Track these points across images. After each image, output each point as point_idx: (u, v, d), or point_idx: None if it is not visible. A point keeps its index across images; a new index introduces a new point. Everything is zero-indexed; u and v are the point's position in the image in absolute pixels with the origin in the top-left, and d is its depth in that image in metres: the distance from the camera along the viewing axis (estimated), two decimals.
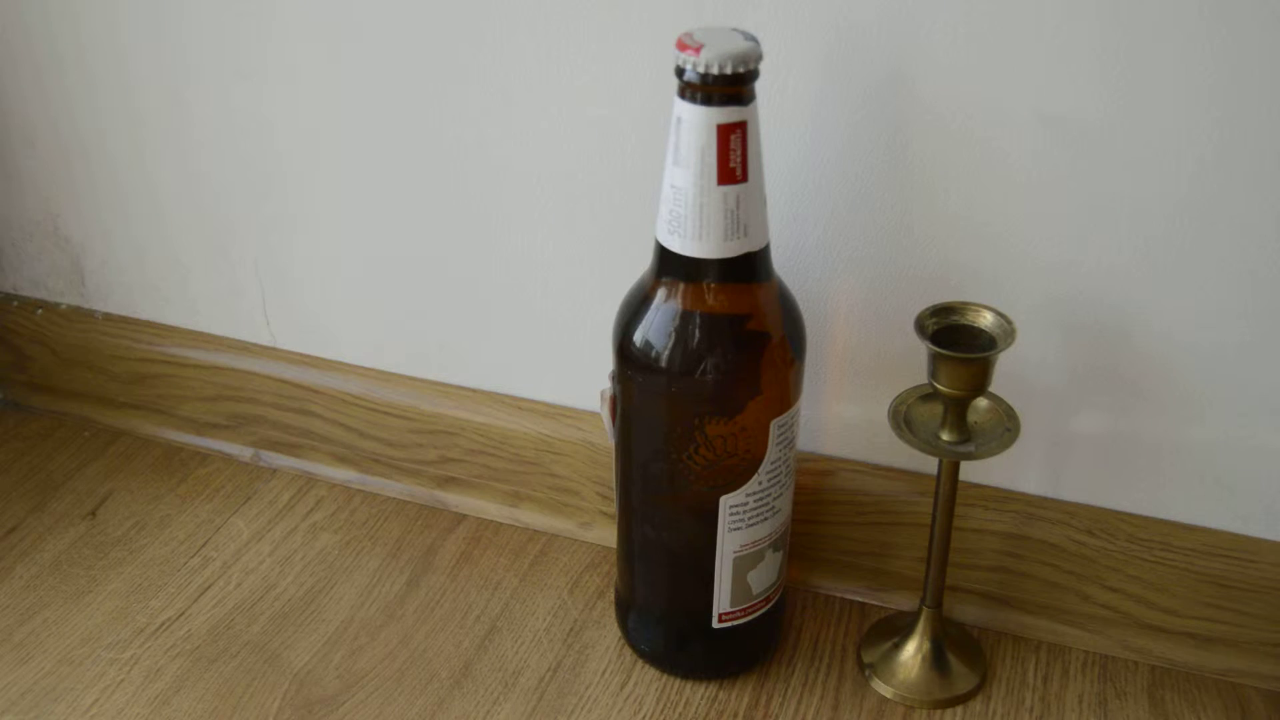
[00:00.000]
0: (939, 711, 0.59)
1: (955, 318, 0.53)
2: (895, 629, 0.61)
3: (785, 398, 0.53)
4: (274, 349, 0.73)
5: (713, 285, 0.51)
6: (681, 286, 0.51)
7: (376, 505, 0.72)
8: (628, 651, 0.62)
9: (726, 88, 0.46)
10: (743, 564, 0.56)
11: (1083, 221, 0.53)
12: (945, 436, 0.54)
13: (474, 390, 0.69)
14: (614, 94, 0.58)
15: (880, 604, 0.64)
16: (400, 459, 0.72)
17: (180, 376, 0.75)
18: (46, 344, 0.78)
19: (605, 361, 0.56)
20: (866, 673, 0.60)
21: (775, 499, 0.55)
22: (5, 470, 0.75)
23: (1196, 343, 0.55)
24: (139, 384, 0.76)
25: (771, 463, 0.54)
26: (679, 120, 0.48)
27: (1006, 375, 0.55)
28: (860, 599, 0.65)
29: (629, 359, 0.53)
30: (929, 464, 0.58)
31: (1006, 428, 0.54)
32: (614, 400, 0.55)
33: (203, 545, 0.69)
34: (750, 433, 0.53)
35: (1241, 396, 0.55)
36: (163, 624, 0.64)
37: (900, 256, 0.57)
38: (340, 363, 0.72)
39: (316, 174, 0.66)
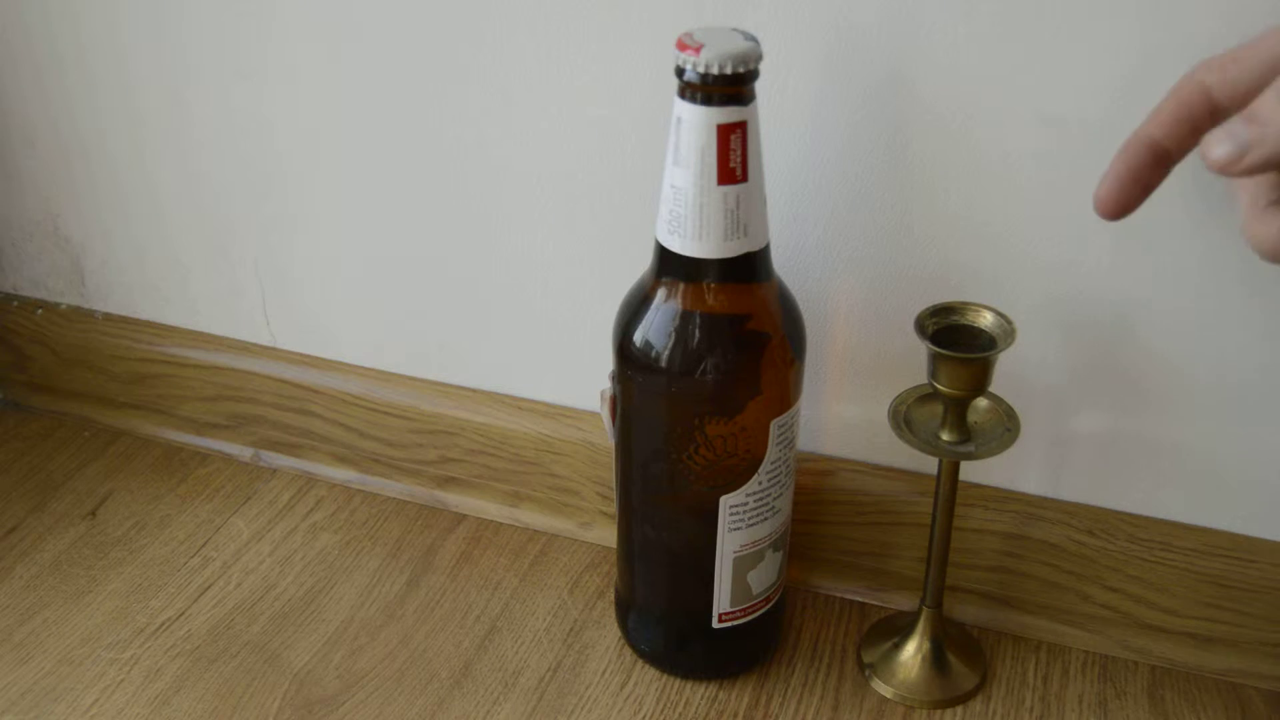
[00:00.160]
0: (939, 711, 0.59)
1: (955, 318, 0.53)
2: (895, 629, 0.61)
3: (785, 398, 0.53)
4: (274, 349, 0.73)
5: (713, 285, 0.51)
6: (681, 286, 0.51)
7: (376, 505, 0.72)
8: (628, 651, 0.62)
9: (726, 88, 0.46)
10: (743, 564, 0.56)
11: (1083, 221, 0.53)
12: (945, 436, 0.54)
13: (474, 390, 0.69)
14: (614, 94, 0.58)
15: (880, 604, 0.64)
16: (400, 459, 0.72)
17: (180, 376, 0.75)
18: (46, 344, 0.78)
19: (605, 361, 0.56)
20: (866, 673, 0.60)
21: (775, 499, 0.55)
22: (5, 470, 0.75)
23: (1196, 342, 0.55)
24: (139, 384, 0.76)
25: (771, 463, 0.54)
26: (679, 120, 0.48)
27: (1006, 375, 0.55)
28: (860, 599, 0.65)
29: (629, 359, 0.53)
30: (929, 464, 0.58)
31: (1006, 428, 0.54)
32: (614, 400, 0.55)
33: (203, 545, 0.69)
34: (750, 433, 0.53)
35: (1241, 396, 0.55)
36: (163, 624, 0.64)
37: (900, 256, 0.57)
38: (340, 363, 0.72)
39: (316, 174, 0.66)
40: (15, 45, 0.69)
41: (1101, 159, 0.50)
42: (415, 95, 0.62)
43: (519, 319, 0.66)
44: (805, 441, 0.63)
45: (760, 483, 0.54)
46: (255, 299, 0.72)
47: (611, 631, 0.63)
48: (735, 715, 0.58)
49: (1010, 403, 0.55)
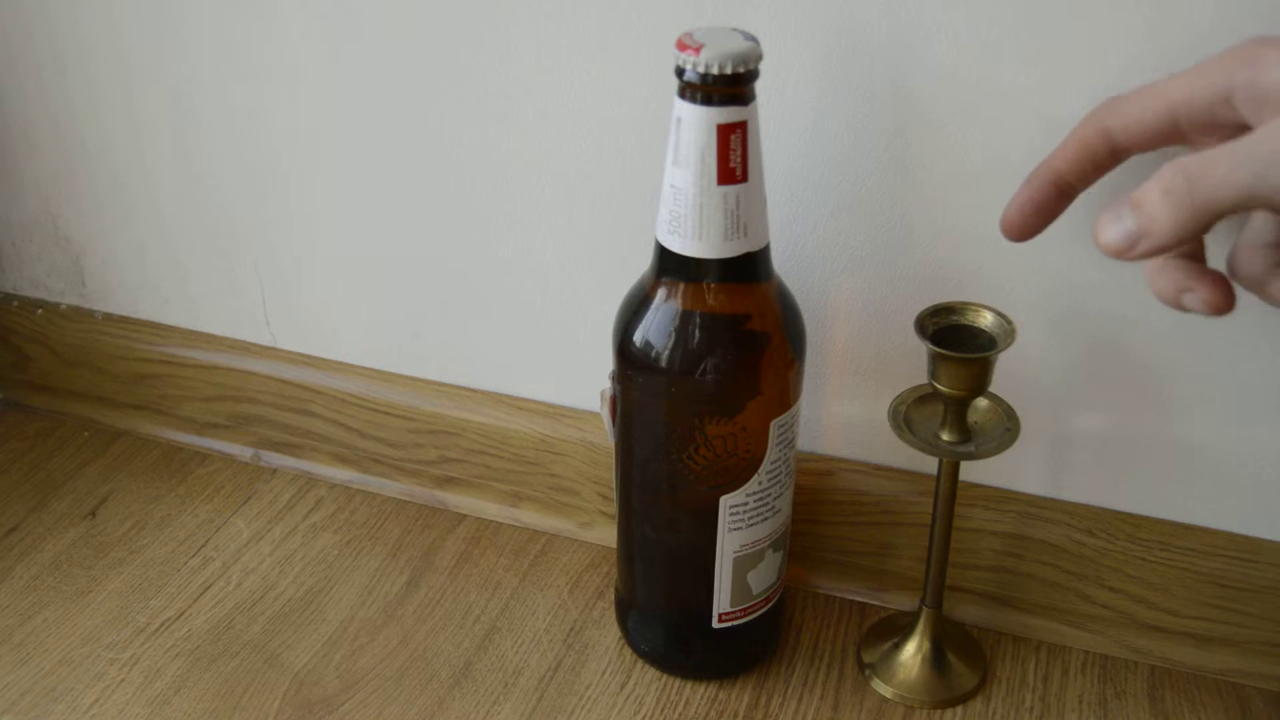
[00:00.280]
0: (939, 711, 0.59)
1: (955, 318, 0.53)
2: (895, 629, 0.61)
3: (785, 398, 0.53)
4: (274, 349, 0.73)
5: (713, 285, 0.51)
6: (681, 286, 0.51)
7: (376, 505, 0.72)
8: (628, 651, 0.62)
9: (726, 88, 0.46)
10: (743, 564, 0.56)
11: (1083, 221, 0.53)
12: (945, 436, 0.54)
13: (474, 390, 0.69)
14: (614, 94, 0.58)
15: (880, 604, 0.64)
16: (400, 459, 0.72)
17: (180, 376, 0.75)
18: (46, 344, 0.78)
19: (605, 361, 0.56)
20: (866, 673, 0.60)
21: (775, 499, 0.55)
22: (5, 470, 0.75)
23: (1196, 342, 0.55)
24: (139, 384, 0.76)
25: (771, 463, 0.54)
26: (679, 120, 0.48)
27: (1006, 375, 0.55)
28: (860, 599, 0.65)
29: (629, 359, 0.53)
30: (929, 464, 0.58)
31: (1006, 428, 0.54)
32: (614, 400, 0.55)
33: (203, 545, 0.69)
34: (750, 433, 0.53)
35: (1241, 396, 0.55)
36: (163, 624, 0.64)
37: (900, 256, 0.57)
38: (340, 363, 0.72)
39: (316, 174, 0.66)
40: (15, 45, 0.69)
41: None
42: (415, 95, 0.62)
43: (519, 319, 0.66)
44: (805, 441, 0.63)
45: (760, 483, 0.54)
46: (255, 299, 0.72)
47: (611, 631, 0.63)
48: (735, 715, 0.58)
49: (1010, 403, 0.55)
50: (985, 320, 0.53)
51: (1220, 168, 0.37)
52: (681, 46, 0.46)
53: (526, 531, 0.70)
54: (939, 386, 0.52)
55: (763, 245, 0.51)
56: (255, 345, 0.73)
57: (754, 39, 0.47)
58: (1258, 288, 0.43)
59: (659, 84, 0.55)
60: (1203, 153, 0.38)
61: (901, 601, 0.64)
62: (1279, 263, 0.43)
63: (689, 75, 0.46)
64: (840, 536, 0.64)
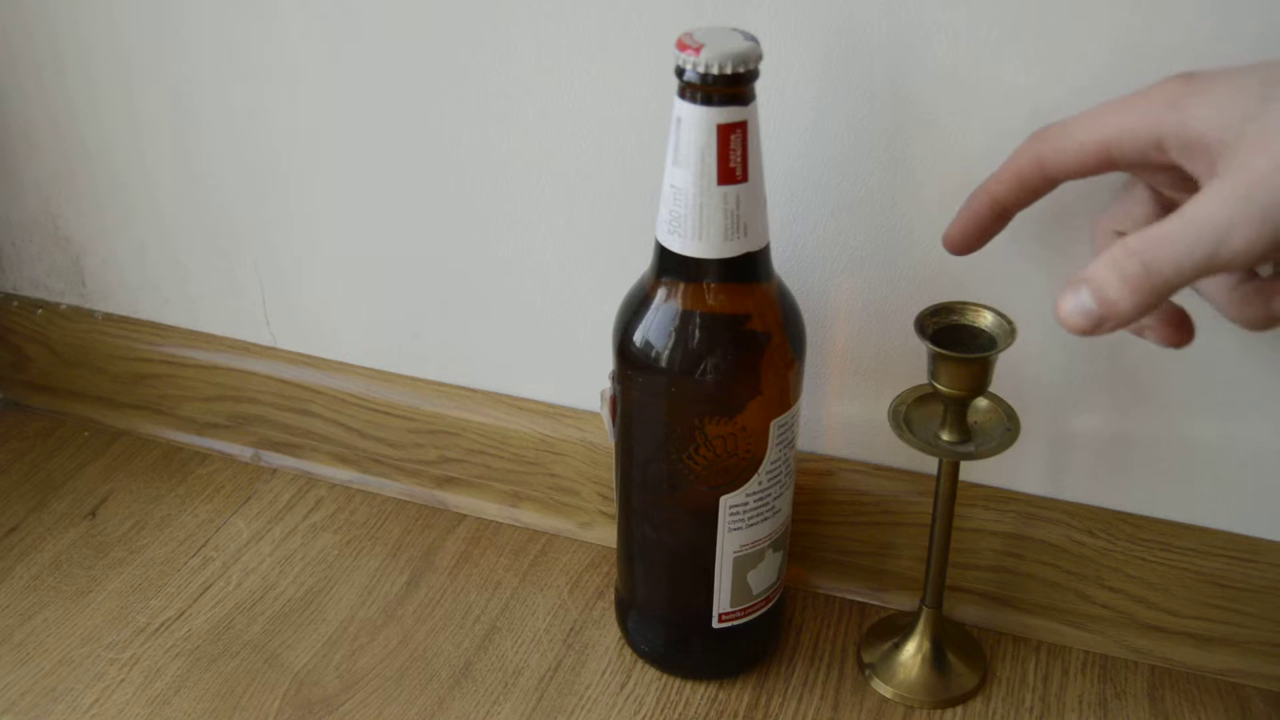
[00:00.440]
0: (939, 711, 0.59)
1: (955, 318, 0.53)
2: (895, 629, 0.61)
3: (785, 398, 0.53)
4: (274, 349, 0.73)
5: (713, 285, 0.51)
6: (681, 286, 0.51)
7: (376, 505, 0.72)
8: (628, 651, 0.62)
9: (726, 88, 0.46)
10: (743, 564, 0.56)
11: (1082, 222, 0.53)
12: (945, 436, 0.54)
13: (474, 390, 0.69)
14: (614, 94, 0.58)
15: (880, 604, 0.64)
16: (400, 459, 0.72)
17: (180, 376, 0.75)
18: (46, 344, 0.78)
19: (605, 361, 0.56)
20: (866, 673, 0.60)
21: (775, 499, 0.55)
22: (5, 470, 0.75)
23: (1196, 342, 0.54)
24: (139, 384, 0.76)
25: (771, 463, 0.54)
26: (679, 120, 0.48)
27: (1006, 375, 0.55)
28: (860, 599, 0.65)
29: (629, 359, 0.53)
30: (929, 464, 0.58)
31: (1006, 428, 0.54)
32: (614, 400, 0.55)
33: (203, 545, 0.69)
34: (750, 433, 0.53)
35: (1241, 396, 0.55)
36: (163, 624, 0.64)
37: (900, 256, 0.57)
38: (340, 363, 0.72)
39: (316, 174, 0.66)
40: (15, 45, 0.69)
41: None
42: (415, 95, 0.62)
43: (519, 319, 0.66)
44: (805, 441, 0.63)
45: (760, 483, 0.54)
46: (255, 299, 0.72)
47: (611, 631, 0.63)
48: (735, 715, 0.58)
49: (1010, 403, 0.55)
50: (985, 320, 0.53)
51: (1174, 249, 0.38)
52: (681, 46, 0.46)
53: (526, 531, 0.70)
54: (939, 386, 0.52)
55: (763, 245, 0.51)
56: (255, 345, 0.73)
57: (754, 39, 0.47)
58: (1260, 325, 0.44)
59: (659, 84, 0.55)
60: (1154, 232, 0.38)
61: (901, 601, 0.64)
62: (1259, 290, 0.44)
63: (689, 75, 0.46)
64: (840, 536, 0.64)
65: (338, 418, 0.72)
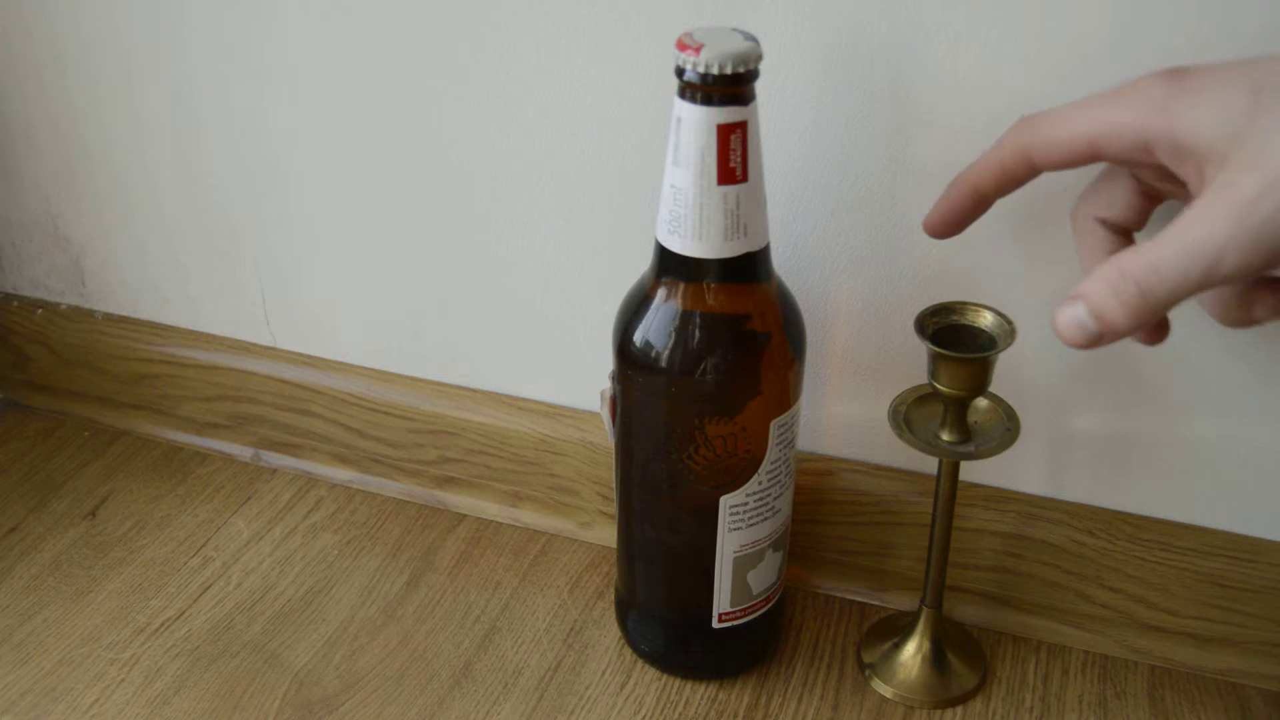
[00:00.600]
0: (939, 711, 0.59)
1: (955, 318, 0.53)
2: (895, 629, 0.61)
3: (785, 398, 0.53)
4: (274, 349, 0.73)
5: (713, 285, 0.51)
6: (681, 286, 0.51)
7: (376, 505, 0.72)
8: (628, 651, 0.62)
9: (726, 88, 0.46)
10: (743, 564, 0.56)
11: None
12: (945, 436, 0.54)
13: (474, 390, 0.69)
14: (614, 94, 0.58)
15: (880, 604, 0.64)
16: (400, 459, 0.72)
17: (180, 376, 0.75)
18: (46, 344, 0.78)
19: (605, 361, 0.56)
20: (866, 673, 0.60)
21: (775, 499, 0.55)
22: (5, 470, 0.75)
23: (1196, 342, 0.55)
24: (139, 384, 0.76)
25: (771, 463, 0.54)
26: (679, 120, 0.48)
27: (1006, 375, 0.55)
28: (860, 599, 0.65)
29: (629, 359, 0.53)
30: (929, 464, 0.58)
31: (1006, 428, 0.54)
32: (614, 400, 0.55)
33: (203, 545, 0.69)
34: (750, 433, 0.53)
35: (1241, 396, 0.55)
36: (163, 624, 0.64)
37: (900, 256, 0.57)
38: (340, 363, 0.72)
39: (316, 174, 0.66)
40: (15, 45, 0.69)
41: None
42: (415, 95, 0.62)
43: (519, 319, 0.66)
44: (805, 441, 0.63)
45: (760, 483, 0.54)
46: (255, 299, 0.72)
47: (611, 631, 0.63)
48: (735, 715, 0.58)
49: (1010, 403, 0.55)
50: (985, 320, 0.53)
51: (1170, 272, 0.38)
52: (681, 46, 0.46)
53: (526, 531, 0.70)
54: (939, 386, 0.52)
55: (763, 245, 0.51)
56: (255, 345, 0.73)
57: (754, 39, 0.47)
58: (1240, 326, 0.46)
59: (659, 84, 0.55)
60: (1150, 256, 0.39)
61: (901, 601, 0.64)
62: (1244, 296, 0.45)
63: (689, 75, 0.46)
64: (840, 536, 0.64)
65: (338, 418, 0.72)
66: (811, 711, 0.59)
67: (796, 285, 0.56)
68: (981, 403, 0.55)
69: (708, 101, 0.47)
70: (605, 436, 0.60)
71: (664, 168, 0.49)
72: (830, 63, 0.54)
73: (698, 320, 0.51)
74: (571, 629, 0.63)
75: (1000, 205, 0.53)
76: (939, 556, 0.58)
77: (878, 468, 0.63)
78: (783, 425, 0.54)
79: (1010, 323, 0.52)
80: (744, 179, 0.48)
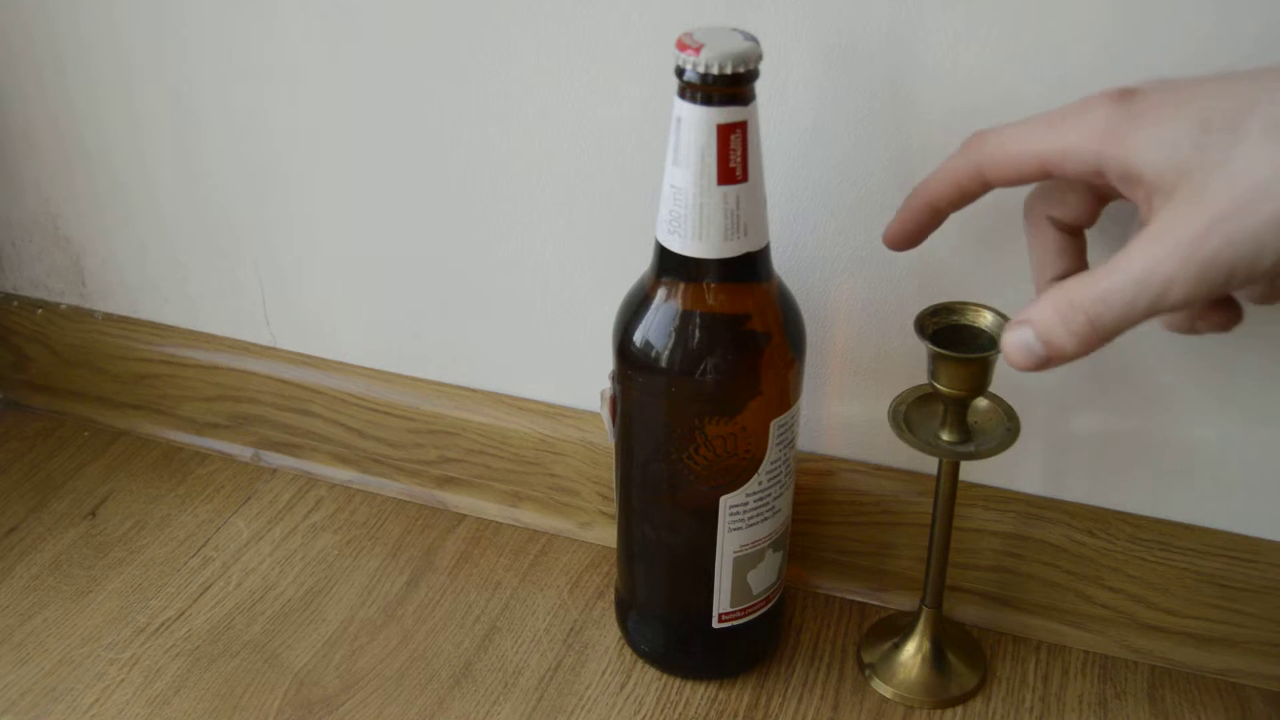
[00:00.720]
0: (939, 711, 0.59)
1: (955, 318, 0.53)
2: (895, 629, 0.61)
3: (785, 398, 0.53)
4: (274, 349, 0.73)
5: (713, 285, 0.51)
6: (681, 286, 0.51)
7: (376, 505, 0.72)
8: (628, 651, 0.62)
9: (726, 88, 0.46)
10: (743, 564, 0.56)
11: None
12: (945, 436, 0.54)
13: (474, 390, 0.69)
14: (614, 94, 0.58)
15: (880, 604, 0.64)
16: (400, 459, 0.72)
17: (180, 376, 0.75)
18: (46, 344, 0.78)
19: (605, 361, 0.56)
20: (866, 673, 0.60)
21: (775, 499, 0.55)
22: (5, 470, 0.75)
23: (1196, 342, 0.55)
24: (139, 384, 0.76)
25: (771, 463, 0.54)
26: (679, 120, 0.48)
27: (1006, 375, 0.55)
28: (860, 599, 0.65)
29: (629, 359, 0.53)
30: (929, 464, 0.58)
31: (1006, 428, 0.54)
32: (614, 400, 0.55)
33: (203, 545, 0.69)
34: (750, 433, 0.53)
35: (1241, 397, 0.55)
36: (163, 624, 0.64)
37: (900, 257, 0.57)
38: (340, 363, 0.72)
39: (316, 174, 0.66)
40: (15, 45, 0.69)
41: None
42: (415, 95, 0.62)
43: (519, 319, 0.66)
44: (805, 441, 0.63)
45: (760, 483, 0.54)
46: (255, 299, 0.72)
47: (611, 631, 0.63)
48: (735, 715, 0.58)
49: (1010, 403, 0.55)
50: (985, 320, 0.53)
51: (1118, 302, 0.39)
52: (681, 46, 0.46)
53: (526, 531, 0.70)
54: (939, 386, 0.52)
55: (763, 245, 0.51)
56: (255, 345, 0.73)
57: (754, 39, 0.47)
58: (1182, 332, 0.47)
59: (659, 84, 0.55)
60: (1100, 286, 0.40)
61: (901, 601, 0.64)
62: (1188, 314, 0.46)
63: (689, 75, 0.46)
64: (840, 536, 0.64)
65: (338, 418, 0.72)
66: (811, 711, 0.59)
67: (796, 285, 0.56)
68: (981, 403, 0.55)
69: (708, 101, 0.47)
70: (605, 436, 0.60)
71: (664, 168, 0.49)
72: (830, 63, 0.54)
73: (698, 320, 0.51)
74: (571, 629, 0.63)
75: (1000, 206, 0.53)
76: (939, 556, 0.58)
77: (878, 468, 0.63)
78: (783, 425, 0.54)
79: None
80: (744, 179, 0.48)
